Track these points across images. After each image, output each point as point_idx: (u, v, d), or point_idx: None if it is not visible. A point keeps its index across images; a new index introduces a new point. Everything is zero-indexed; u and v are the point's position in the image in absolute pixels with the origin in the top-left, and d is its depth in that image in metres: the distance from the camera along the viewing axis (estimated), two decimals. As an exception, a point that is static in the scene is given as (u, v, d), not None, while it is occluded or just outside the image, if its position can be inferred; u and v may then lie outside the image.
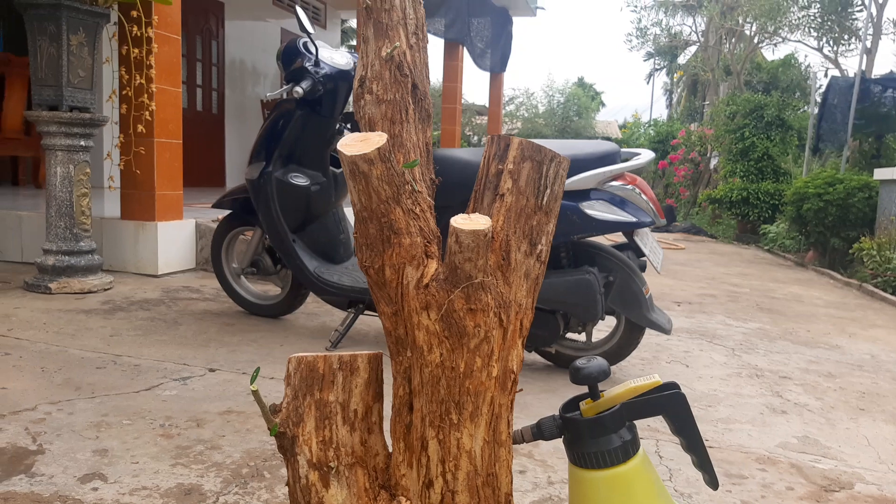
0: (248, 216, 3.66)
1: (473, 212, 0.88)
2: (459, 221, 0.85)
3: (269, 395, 2.65)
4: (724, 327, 4.68)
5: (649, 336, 4.01)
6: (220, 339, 3.40)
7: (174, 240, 4.91)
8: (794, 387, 3.48)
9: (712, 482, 1.01)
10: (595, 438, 0.94)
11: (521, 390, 1.00)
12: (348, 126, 3.57)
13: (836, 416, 3.07)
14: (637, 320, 3.12)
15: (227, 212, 3.81)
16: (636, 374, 3.42)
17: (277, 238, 3.46)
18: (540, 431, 0.99)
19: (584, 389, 0.98)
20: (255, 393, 0.89)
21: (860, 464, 2.50)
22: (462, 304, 0.88)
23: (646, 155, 3.08)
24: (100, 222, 4.85)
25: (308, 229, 3.53)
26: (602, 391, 0.99)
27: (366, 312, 3.34)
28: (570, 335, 3.41)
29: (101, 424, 2.32)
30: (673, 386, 0.99)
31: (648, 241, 3.16)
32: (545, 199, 0.93)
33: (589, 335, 3.28)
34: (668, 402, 0.96)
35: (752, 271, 7.91)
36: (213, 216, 5.15)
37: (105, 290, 4.29)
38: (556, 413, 1.00)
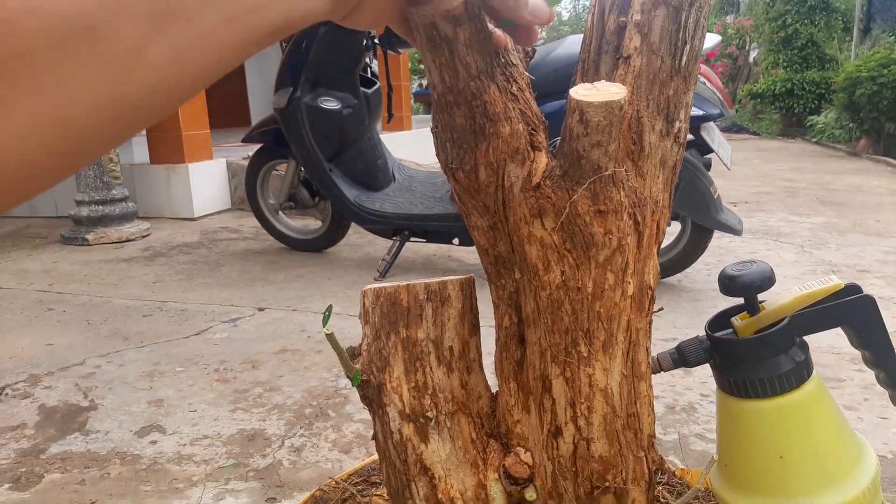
0: (281, 148, 3.45)
1: (585, 86, 0.65)
2: (582, 93, 0.63)
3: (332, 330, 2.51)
4: (788, 224, 4.41)
5: (712, 239, 3.78)
6: (266, 278, 3.27)
7: (206, 181, 4.75)
8: (874, 280, 3.23)
9: None
10: (760, 362, 0.75)
11: (660, 309, 0.80)
12: (377, 41, 3.29)
13: (926, 308, 2.84)
14: (705, 223, 2.89)
15: (259, 146, 3.60)
16: (702, 280, 3.21)
17: (313, 168, 3.26)
18: (682, 357, 0.80)
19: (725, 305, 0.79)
20: (331, 337, 0.71)
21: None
22: (588, 206, 0.67)
23: (711, 38, 2.76)
24: (130, 170, 4.71)
25: (344, 157, 3.31)
26: (761, 302, 0.79)
27: (411, 239, 3.16)
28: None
29: (153, 374, 2.21)
30: (855, 289, 0.78)
31: (716, 135, 2.88)
32: (684, 58, 0.70)
33: (652, 243, 3.06)
34: (852, 309, 0.76)
35: (803, 165, 7.51)
36: (244, 154, 4.95)
37: (143, 237, 4.17)
38: (702, 333, 0.80)
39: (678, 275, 3.16)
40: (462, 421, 0.79)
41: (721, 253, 3.71)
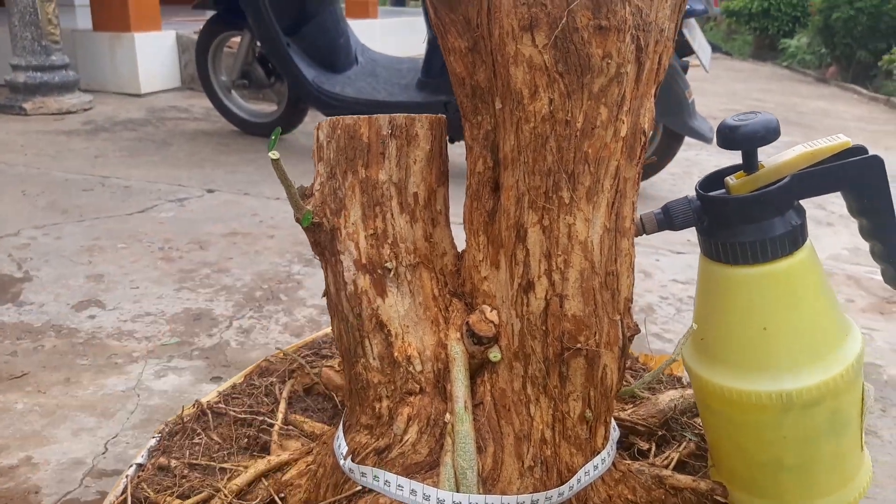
0: (235, 18, 3.20)
1: None
2: None
3: (286, 217, 2.39)
4: (755, 141, 4.37)
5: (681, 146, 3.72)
6: (216, 160, 3.10)
7: (155, 54, 4.43)
8: (836, 198, 3.23)
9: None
10: (752, 223, 0.68)
11: (652, 158, 0.71)
12: None
13: (884, 227, 2.86)
14: (677, 128, 2.81)
15: (211, 14, 3.34)
16: (666, 189, 3.16)
17: (269, 42, 3.03)
18: (668, 218, 0.72)
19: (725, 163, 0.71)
20: (277, 163, 0.61)
21: (922, 274, 2.32)
22: (588, 20, 0.57)
23: None
24: (71, 35, 4.35)
25: (303, 31, 3.09)
26: (759, 162, 0.71)
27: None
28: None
29: (92, 249, 2.08)
30: (861, 150, 0.71)
31: (697, 34, 2.76)
32: None
33: (620, 147, 2.98)
34: (858, 169, 0.68)
35: (773, 87, 7.46)
36: (196, 28, 4.63)
37: (85, 110, 3.91)
38: (692, 193, 0.73)
39: (643, 182, 3.10)
40: (424, 275, 0.70)
41: (687, 164, 3.67)
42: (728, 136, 0.68)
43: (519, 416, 0.68)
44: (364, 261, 0.68)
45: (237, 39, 3.33)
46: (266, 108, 3.72)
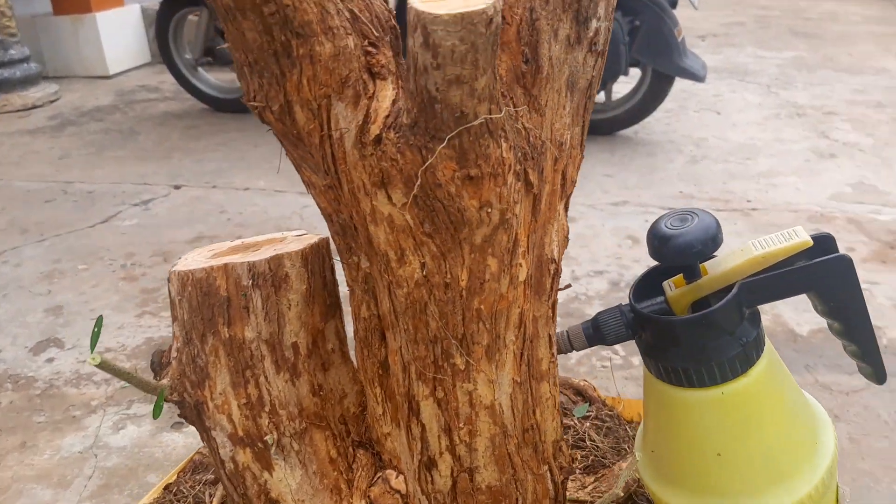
0: (187, -6, 2.99)
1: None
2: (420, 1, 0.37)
3: (255, 211, 2.27)
4: (756, 60, 4.12)
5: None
6: (185, 147, 2.96)
7: (119, 31, 4.22)
8: (841, 123, 3.04)
9: (879, 376, 0.64)
10: (698, 347, 0.56)
11: (567, 286, 0.59)
12: None
13: (892, 153, 2.69)
14: (667, 70, 2.61)
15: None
16: (660, 132, 2.98)
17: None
18: (598, 333, 0.61)
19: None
20: (103, 365, 0.50)
21: (930, 211, 2.17)
22: (452, 172, 0.44)
23: None
24: (31, 22, 4.14)
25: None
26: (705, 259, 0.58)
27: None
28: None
29: (52, 274, 1.99)
30: (826, 243, 0.58)
31: None
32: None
33: (609, 93, 2.79)
34: (823, 273, 0.56)
35: (778, -12, 7.03)
36: (157, -4, 4.38)
37: (51, 101, 3.74)
38: (625, 302, 0.60)
39: (635, 126, 2.93)
40: (316, 438, 0.60)
41: (683, 97, 3.46)
42: (659, 250, 0.56)
43: None
44: (241, 433, 0.58)
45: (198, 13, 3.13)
46: (237, 81, 3.54)
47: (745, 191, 2.36)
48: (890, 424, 1.26)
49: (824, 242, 0.58)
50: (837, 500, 0.66)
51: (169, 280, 0.58)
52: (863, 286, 0.58)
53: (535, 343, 0.55)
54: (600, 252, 1.97)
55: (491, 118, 0.43)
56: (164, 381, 0.56)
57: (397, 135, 0.44)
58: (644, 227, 2.05)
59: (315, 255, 0.59)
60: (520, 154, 0.46)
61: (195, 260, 0.60)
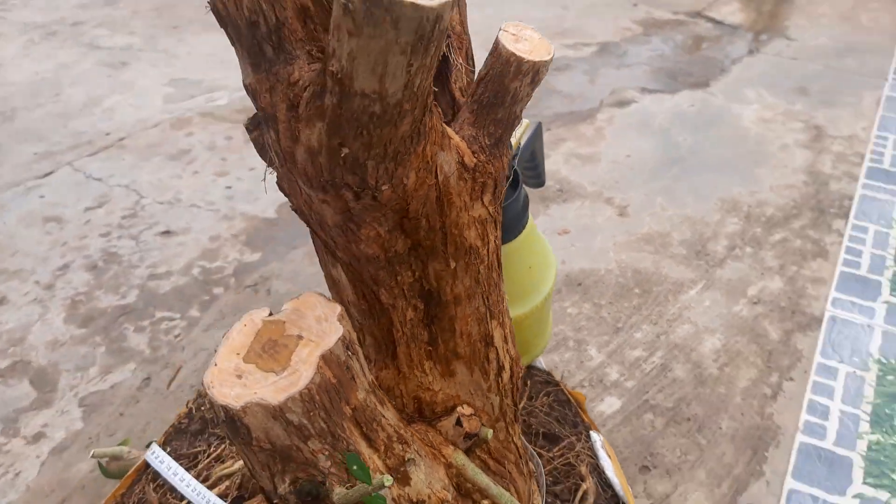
0: None
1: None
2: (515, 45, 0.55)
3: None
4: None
5: None
6: None
7: None
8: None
9: (540, 183, 1.10)
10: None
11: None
12: None
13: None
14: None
15: None
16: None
17: None
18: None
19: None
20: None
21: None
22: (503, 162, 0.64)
23: None
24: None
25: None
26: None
27: None
28: None
29: None
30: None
31: None
32: None
33: None
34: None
35: None
36: None
37: None
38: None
39: None
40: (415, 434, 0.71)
41: None
42: None
43: (513, 453, 0.81)
44: (392, 471, 0.64)
45: None
46: None
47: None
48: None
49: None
50: (548, 303, 1.13)
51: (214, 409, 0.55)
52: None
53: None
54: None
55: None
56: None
57: (485, 155, 0.59)
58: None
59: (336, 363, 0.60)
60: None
61: (226, 376, 0.56)
